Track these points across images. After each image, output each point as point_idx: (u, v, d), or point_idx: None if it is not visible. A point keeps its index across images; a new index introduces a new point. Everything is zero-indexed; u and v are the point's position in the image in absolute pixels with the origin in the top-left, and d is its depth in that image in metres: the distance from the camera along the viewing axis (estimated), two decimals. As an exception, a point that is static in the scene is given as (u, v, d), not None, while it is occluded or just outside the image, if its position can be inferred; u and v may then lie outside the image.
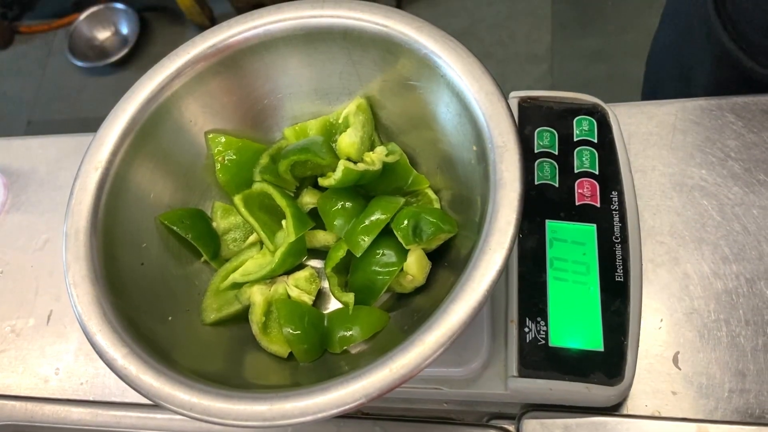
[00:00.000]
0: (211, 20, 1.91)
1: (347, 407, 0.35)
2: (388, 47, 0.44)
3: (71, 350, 0.56)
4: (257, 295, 0.44)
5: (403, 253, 0.44)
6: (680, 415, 0.44)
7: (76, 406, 0.53)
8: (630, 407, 0.45)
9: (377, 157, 0.45)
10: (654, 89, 0.84)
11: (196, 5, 1.83)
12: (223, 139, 0.49)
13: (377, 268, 0.44)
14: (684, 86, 0.73)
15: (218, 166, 0.49)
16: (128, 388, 0.52)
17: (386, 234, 0.44)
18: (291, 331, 0.43)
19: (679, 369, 0.46)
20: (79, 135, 0.67)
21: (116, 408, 0.52)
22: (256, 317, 0.44)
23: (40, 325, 0.58)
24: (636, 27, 1.57)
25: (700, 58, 0.68)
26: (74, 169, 0.65)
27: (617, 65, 1.54)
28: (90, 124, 1.88)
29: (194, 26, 1.94)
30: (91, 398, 0.53)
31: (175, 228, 0.46)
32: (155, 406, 0.52)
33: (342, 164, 0.44)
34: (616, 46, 1.57)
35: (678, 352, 0.46)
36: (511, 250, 0.36)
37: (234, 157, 0.49)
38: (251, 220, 0.47)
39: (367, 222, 0.44)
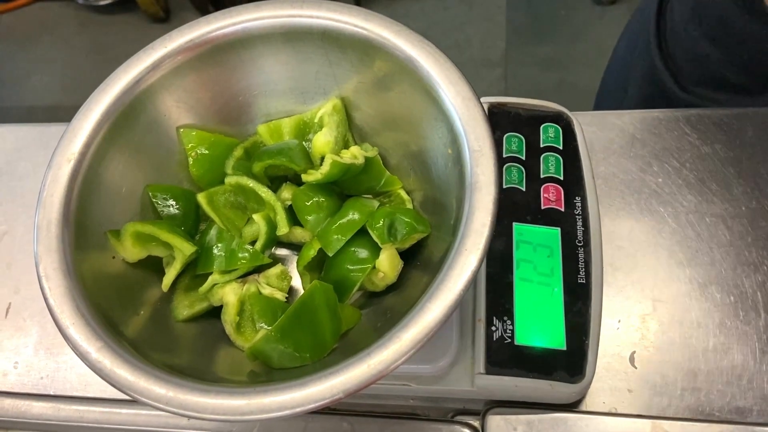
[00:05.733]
0: (165, 11, 1.88)
1: (325, 402, 0.35)
2: (365, 49, 0.45)
3: (31, 344, 0.55)
4: (230, 295, 0.45)
5: (375, 251, 0.45)
6: (636, 412, 0.46)
7: (37, 401, 0.52)
8: (588, 404, 0.47)
9: (359, 152, 0.46)
10: (602, 96, 0.88)
11: (150, -5, 1.80)
12: (194, 134, 0.49)
13: (350, 266, 0.45)
14: (621, 97, 0.77)
15: (191, 160, 0.49)
16: (91, 382, 0.53)
17: (359, 232, 0.45)
18: (265, 326, 0.43)
19: (635, 368, 0.48)
20: (40, 125, 0.66)
21: (79, 402, 0.51)
22: (229, 317, 0.44)
23: (-3, 318, 0.57)
24: (586, 37, 1.62)
25: (636, 71, 0.72)
26: (34, 159, 0.64)
27: (568, 73, 1.58)
28: (35, 112, 1.84)
29: (148, 18, 1.90)
30: (52, 392, 0.52)
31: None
32: (119, 401, 0.51)
33: (329, 157, 0.44)
34: (567, 54, 1.61)
35: (634, 352, 0.48)
36: (486, 251, 0.38)
37: (206, 152, 0.49)
38: (215, 216, 0.48)
39: (341, 222, 0.45)
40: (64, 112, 1.81)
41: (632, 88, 0.74)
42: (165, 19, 1.91)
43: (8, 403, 0.52)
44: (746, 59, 0.60)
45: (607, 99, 0.86)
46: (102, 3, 1.95)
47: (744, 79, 0.61)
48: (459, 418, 0.48)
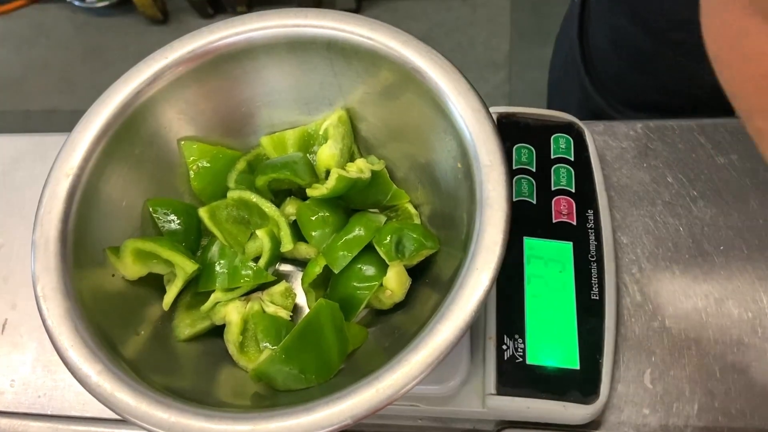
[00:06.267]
0: (163, 13, 1.87)
1: (333, 428, 0.34)
2: (372, 60, 0.44)
3: (28, 361, 0.53)
4: (233, 314, 0.43)
5: (382, 268, 0.44)
6: (651, 433, 0.45)
7: (34, 420, 0.50)
8: (603, 425, 0.46)
9: (365, 165, 0.45)
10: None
11: (148, -4, 1.78)
12: (196, 147, 0.47)
13: (356, 283, 0.44)
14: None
15: (192, 174, 0.47)
16: (89, 401, 0.51)
17: (366, 249, 0.44)
18: (269, 346, 0.42)
19: (651, 387, 0.46)
20: (37, 134, 0.64)
21: (77, 422, 0.50)
22: (232, 336, 0.43)
23: (-7, 334, 0.55)
24: (590, 39, 1.60)
25: (573, 93, 0.72)
26: (31, 169, 0.63)
27: (571, 76, 1.57)
28: (32, 116, 1.82)
29: (146, 20, 1.89)
30: (49, 412, 0.51)
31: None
32: (118, 421, 0.50)
33: (335, 171, 0.43)
34: (570, 57, 1.60)
35: (649, 371, 0.47)
36: (498, 270, 0.36)
37: (208, 165, 0.48)
38: (217, 232, 0.46)
39: (347, 238, 0.44)
40: (60, 116, 1.80)
41: (573, 108, 0.73)
42: (163, 21, 1.89)
43: (4, 422, 0.50)
44: (664, 81, 0.61)
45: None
46: (99, 5, 1.93)
47: (667, 100, 0.63)
48: (469, 438, 0.47)
